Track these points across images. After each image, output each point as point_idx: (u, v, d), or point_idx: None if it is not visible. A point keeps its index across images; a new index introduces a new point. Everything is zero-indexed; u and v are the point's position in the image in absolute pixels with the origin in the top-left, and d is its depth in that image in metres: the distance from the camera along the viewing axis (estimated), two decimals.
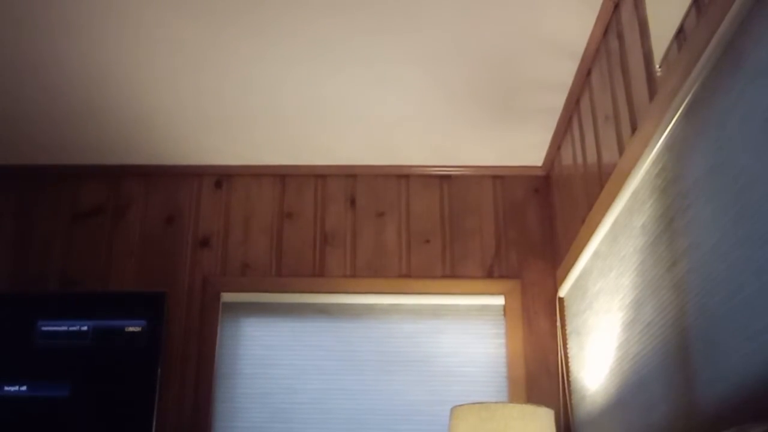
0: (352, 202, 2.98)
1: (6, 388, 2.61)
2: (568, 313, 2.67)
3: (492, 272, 2.87)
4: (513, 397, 2.68)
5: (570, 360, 2.62)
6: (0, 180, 3.03)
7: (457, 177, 3.01)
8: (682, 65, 1.54)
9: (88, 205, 3.00)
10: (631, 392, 1.93)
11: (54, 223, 2.97)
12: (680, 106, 1.59)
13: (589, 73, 2.33)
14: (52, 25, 2.21)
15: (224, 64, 2.39)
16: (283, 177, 3.02)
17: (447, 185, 3.00)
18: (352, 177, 3.02)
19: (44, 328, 2.69)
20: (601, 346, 2.20)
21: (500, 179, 3.00)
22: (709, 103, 1.47)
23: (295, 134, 2.80)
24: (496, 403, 2.27)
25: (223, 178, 3.02)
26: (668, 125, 1.65)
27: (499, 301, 2.83)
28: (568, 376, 2.64)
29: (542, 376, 2.72)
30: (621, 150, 2.01)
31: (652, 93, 1.78)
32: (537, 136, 2.79)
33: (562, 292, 2.70)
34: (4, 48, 2.31)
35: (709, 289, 1.45)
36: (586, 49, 2.27)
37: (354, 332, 2.84)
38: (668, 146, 1.68)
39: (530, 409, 2.26)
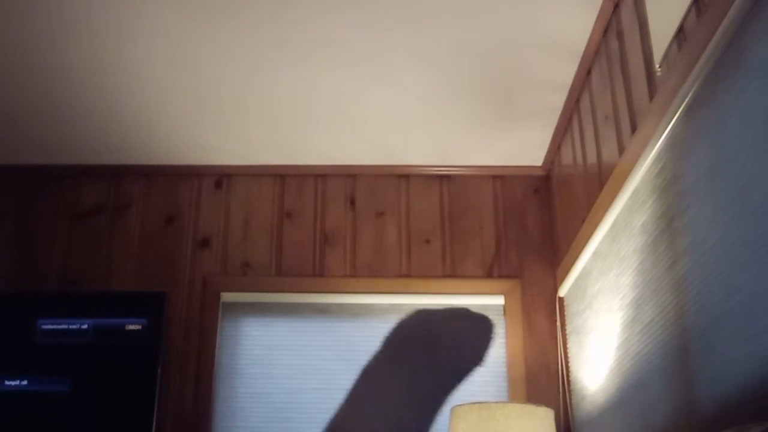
0: (352, 202, 2.98)
1: (7, 383, 2.61)
2: (568, 312, 2.67)
3: (492, 272, 2.87)
4: (513, 397, 2.68)
5: (570, 360, 2.62)
6: (0, 180, 3.03)
7: (457, 177, 3.01)
8: (682, 65, 1.54)
9: (88, 205, 3.00)
10: (631, 392, 1.94)
11: (54, 223, 2.97)
12: (680, 106, 1.59)
13: (589, 72, 2.33)
14: (52, 25, 2.21)
15: (224, 64, 2.39)
16: (283, 177, 3.02)
17: (447, 185, 3.00)
18: (351, 177, 3.02)
19: (44, 327, 2.69)
20: (600, 345, 2.20)
21: (500, 179, 3.00)
22: (709, 103, 1.47)
23: (295, 134, 2.80)
24: (496, 403, 2.27)
25: (223, 178, 3.02)
26: (668, 125, 1.65)
27: (499, 300, 2.83)
28: (568, 376, 2.64)
29: (542, 376, 2.72)
30: (621, 150, 2.01)
31: (652, 93, 1.78)
32: (537, 136, 2.79)
33: (562, 291, 2.70)
34: (4, 48, 2.31)
35: (709, 289, 1.45)
36: (586, 49, 2.27)
37: (354, 332, 2.84)
38: (668, 146, 1.68)
39: (530, 409, 2.26)
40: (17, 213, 2.99)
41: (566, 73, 2.41)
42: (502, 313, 2.83)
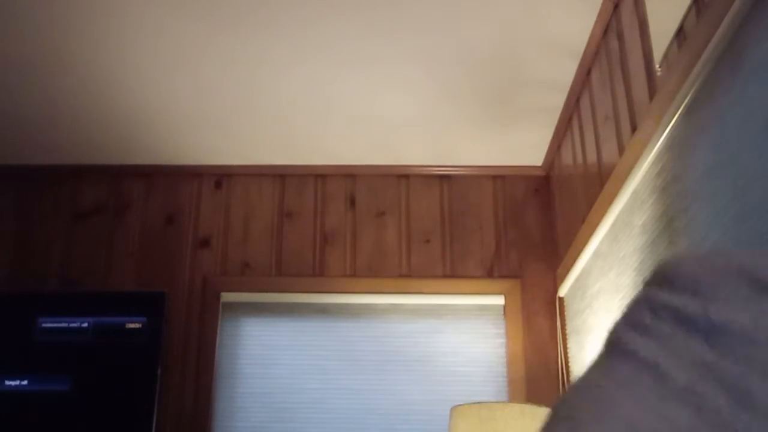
0: (352, 202, 2.98)
1: (7, 382, 2.61)
2: (567, 312, 2.67)
3: (492, 272, 2.87)
4: (513, 397, 2.68)
5: (570, 360, 2.62)
6: (0, 180, 3.03)
7: (457, 177, 3.01)
8: (682, 65, 1.54)
9: (88, 205, 3.00)
10: None
11: (54, 223, 2.97)
12: (680, 106, 1.59)
13: (589, 72, 2.33)
14: (53, 25, 2.21)
15: (224, 64, 2.39)
16: (283, 177, 3.02)
17: (447, 185, 3.00)
18: (352, 177, 3.02)
19: (44, 325, 2.69)
20: (601, 345, 2.20)
21: (500, 179, 3.00)
22: (709, 103, 1.47)
23: (295, 134, 2.80)
24: (496, 402, 2.27)
25: (223, 178, 3.02)
26: (668, 125, 1.65)
27: (499, 300, 2.83)
28: (568, 375, 2.64)
29: (542, 375, 2.72)
30: (621, 150, 2.01)
31: (652, 93, 1.78)
32: (537, 135, 2.79)
33: (562, 291, 2.70)
34: (4, 48, 2.31)
35: None
36: (586, 49, 2.27)
37: (354, 332, 2.84)
38: (668, 146, 1.68)
39: (530, 409, 2.26)
40: (17, 213, 2.99)
41: (566, 73, 2.41)
42: (502, 313, 2.83)
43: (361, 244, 2.92)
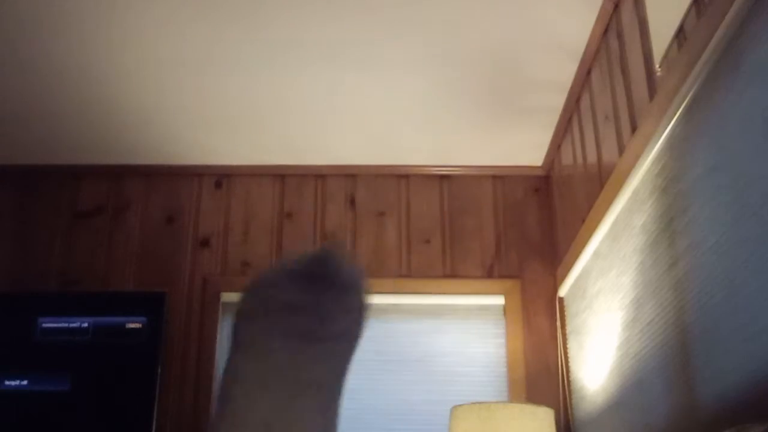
0: (352, 202, 2.98)
1: (7, 383, 2.61)
2: (567, 312, 2.67)
3: (492, 272, 2.87)
4: (513, 397, 2.68)
5: (570, 360, 2.62)
6: (0, 180, 3.03)
7: (457, 177, 3.01)
8: (682, 65, 1.54)
9: (88, 205, 3.00)
10: (631, 392, 1.93)
11: (54, 223, 2.97)
12: (680, 106, 1.59)
13: (589, 73, 2.33)
14: (53, 24, 2.21)
15: (225, 65, 2.39)
16: (283, 177, 3.02)
17: (447, 185, 3.00)
18: (352, 177, 3.02)
19: (45, 325, 2.69)
20: (600, 345, 2.20)
21: (500, 179, 3.00)
22: (709, 103, 1.47)
23: (295, 134, 2.80)
24: (496, 403, 2.27)
25: (223, 178, 3.02)
26: (668, 125, 1.65)
27: (499, 301, 2.83)
28: (568, 376, 2.64)
29: (542, 376, 2.72)
30: (621, 150, 2.01)
31: (652, 93, 1.78)
32: (537, 136, 2.79)
33: (562, 291, 2.70)
34: (4, 47, 2.31)
35: (709, 289, 1.45)
36: (586, 49, 2.27)
37: None
38: (668, 146, 1.68)
39: (530, 409, 2.26)
40: (17, 213, 2.99)
41: (566, 73, 2.41)
42: (502, 313, 2.83)
43: (361, 244, 2.92)
